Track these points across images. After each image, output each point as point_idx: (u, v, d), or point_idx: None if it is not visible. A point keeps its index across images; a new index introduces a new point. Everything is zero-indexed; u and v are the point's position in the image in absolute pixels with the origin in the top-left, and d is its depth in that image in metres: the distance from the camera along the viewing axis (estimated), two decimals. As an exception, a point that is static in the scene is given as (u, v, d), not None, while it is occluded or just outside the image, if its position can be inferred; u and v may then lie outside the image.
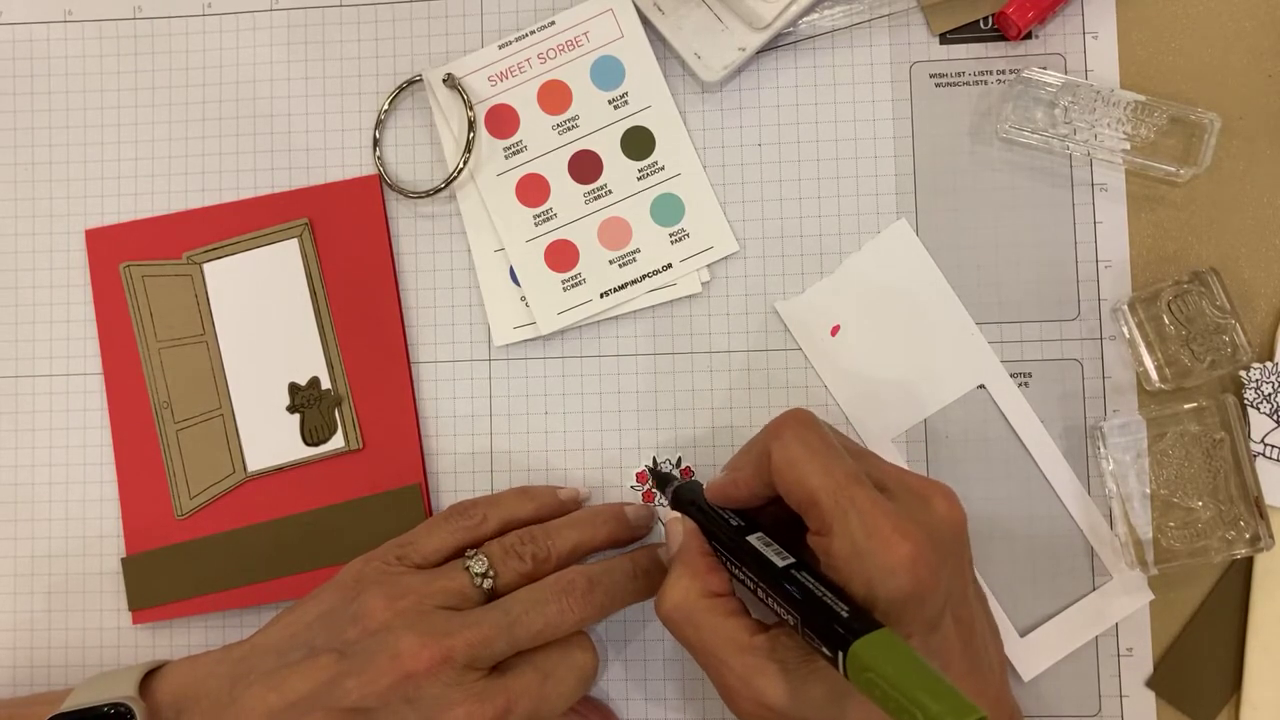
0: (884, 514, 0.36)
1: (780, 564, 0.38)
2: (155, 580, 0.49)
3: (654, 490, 0.48)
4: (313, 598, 0.43)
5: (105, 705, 0.41)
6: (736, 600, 0.40)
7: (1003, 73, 0.48)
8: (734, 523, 0.41)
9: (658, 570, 0.45)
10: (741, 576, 0.40)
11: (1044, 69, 0.46)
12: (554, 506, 0.46)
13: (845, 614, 0.35)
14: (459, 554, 0.43)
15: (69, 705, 0.41)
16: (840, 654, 0.34)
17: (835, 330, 0.48)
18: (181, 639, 0.49)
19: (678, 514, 0.43)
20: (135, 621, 0.49)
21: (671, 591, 0.40)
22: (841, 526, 0.36)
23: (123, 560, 0.50)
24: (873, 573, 0.35)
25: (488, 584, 0.42)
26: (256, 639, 0.43)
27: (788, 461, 0.38)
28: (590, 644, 0.43)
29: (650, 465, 0.48)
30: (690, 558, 0.41)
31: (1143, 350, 0.45)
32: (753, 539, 0.40)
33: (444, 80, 0.49)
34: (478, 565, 0.42)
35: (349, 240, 0.50)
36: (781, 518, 0.40)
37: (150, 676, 0.43)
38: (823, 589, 0.36)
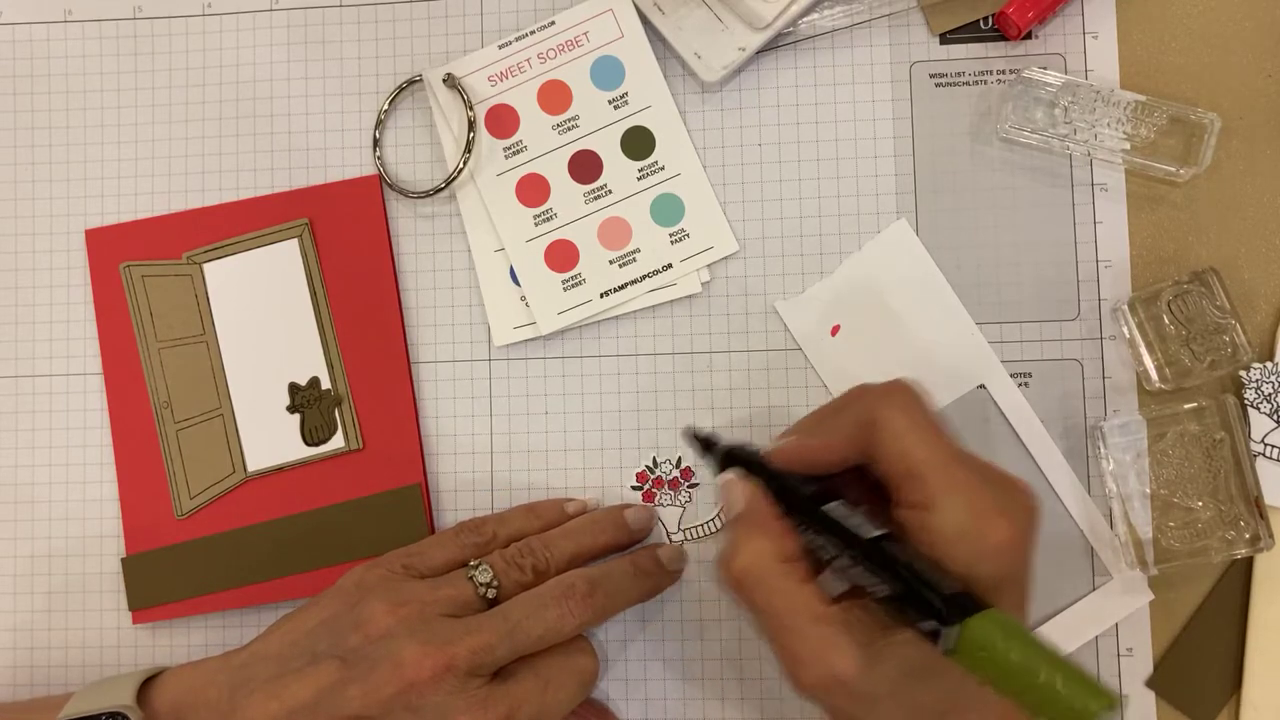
0: (989, 495, 0.36)
1: (872, 533, 0.37)
2: (155, 580, 0.49)
3: (692, 466, 0.48)
4: (314, 604, 0.43)
5: (103, 714, 0.40)
6: (808, 567, 0.38)
7: (1003, 73, 0.48)
8: (807, 489, 0.39)
9: (658, 571, 0.45)
10: (818, 544, 0.38)
11: (1044, 69, 0.46)
12: (561, 522, 0.46)
13: (952, 591, 0.34)
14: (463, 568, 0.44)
15: (67, 713, 0.41)
16: (943, 630, 0.33)
17: (835, 330, 0.48)
18: (181, 639, 0.49)
19: (734, 474, 0.41)
20: (135, 621, 0.49)
21: (743, 552, 0.38)
22: (947, 503, 0.36)
23: (123, 560, 0.50)
24: (976, 552, 0.35)
25: (491, 593, 0.42)
26: (256, 646, 0.42)
27: (895, 431, 0.37)
28: (591, 648, 0.43)
29: (692, 432, 0.44)
30: (761, 519, 0.39)
31: (1143, 350, 0.45)
32: (831, 506, 0.38)
33: (444, 80, 0.49)
34: (482, 575, 0.42)
35: (349, 240, 0.50)
36: (834, 488, 0.39)
37: (149, 684, 0.43)
38: (922, 563, 0.35)
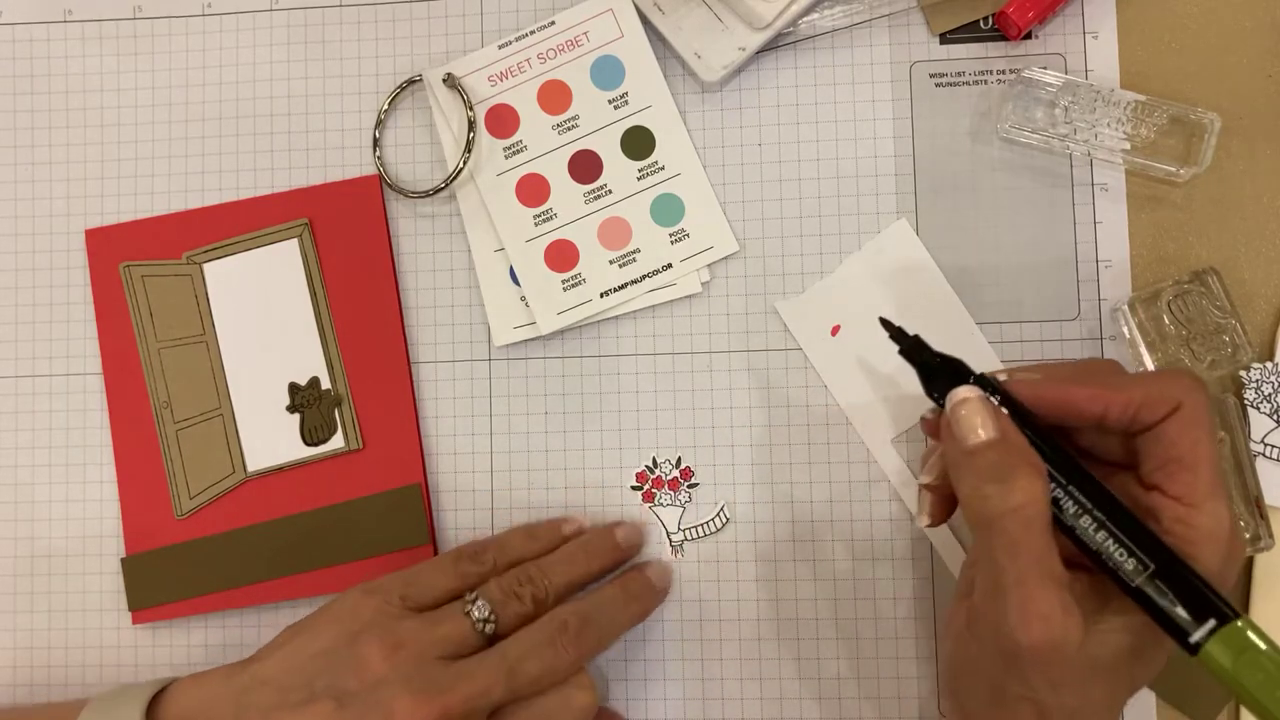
0: (1237, 517, 0.36)
1: (1125, 503, 0.35)
2: (155, 580, 0.49)
3: (692, 467, 0.48)
4: (312, 627, 0.42)
5: None
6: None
7: (1003, 73, 0.48)
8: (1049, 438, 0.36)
9: (648, 593, 0.45)
10: (1055, 497, 0.36)
11: (1044, 69, 0.46)
12: (559, 544, 0.46)
13: (1211, 585, 0.34)
14: (462, 595, 0.43)
15: None
16: (1198, 626, 0.33)
17: (835, 330, 0.48)
18: (181, 639, 0.49)
19: (976, 392, 0.37)
20: (135, 621, 0.49)
21: (1020, 490, 0.34)
22: (1215, 507, 0.35)
23: (123, 560, 0.50)
24: (1220, 562, 0.35)
25: (489, 629, 0.42)
26: (257, 667, 0.42)
27: (1196, 420, 0.36)
28: (589, 682, 0.42)
29: (892, 326, 0.40)
30: (1029, 456, 0.35)
31: (1143, 350, 0.45)
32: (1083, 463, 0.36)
33: (444, 80, 0.49)
34: (479, 611, 0.42)
35: (349, 240, 0.50)
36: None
37: (158, 698, 0.42)
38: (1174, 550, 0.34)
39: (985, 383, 0.37)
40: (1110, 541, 0.35)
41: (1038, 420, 0.37)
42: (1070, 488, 0.36)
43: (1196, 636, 0.33)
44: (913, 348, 0.40)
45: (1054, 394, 0.37)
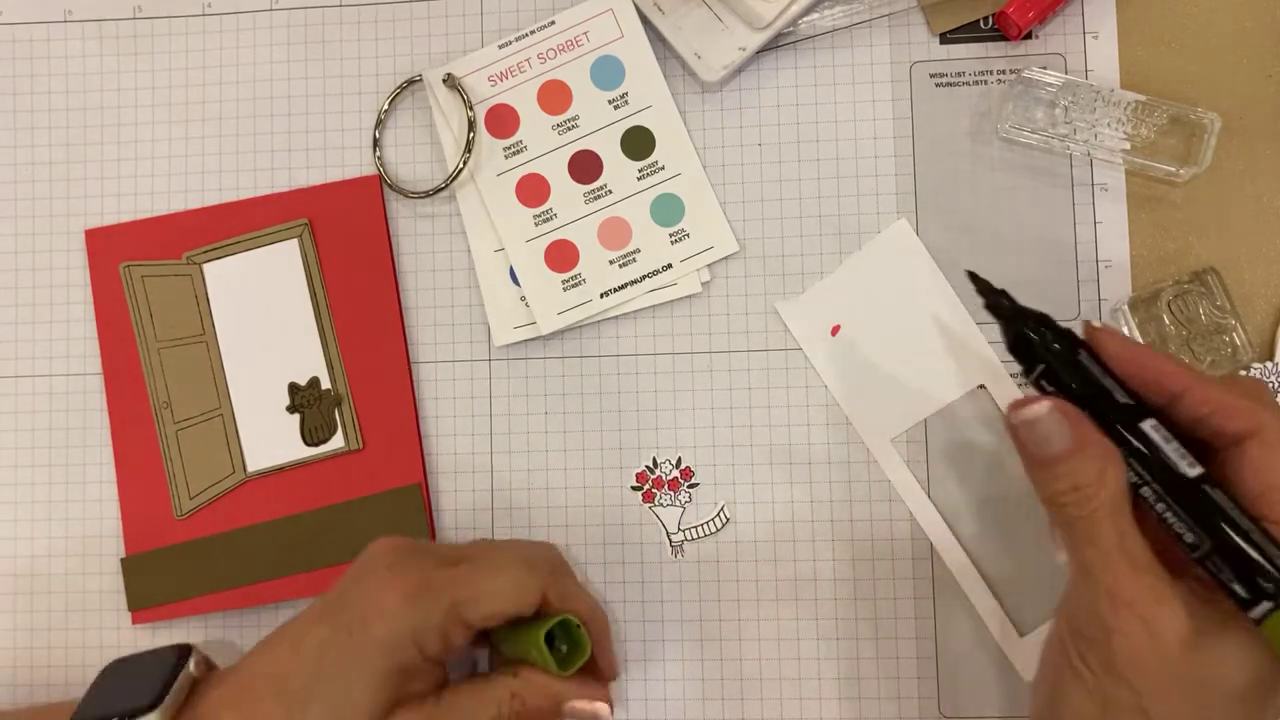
0: None
1: (1191, 471, 0.34)
2: (155, 580, 0.49)
3: (692, 467, 0.48)
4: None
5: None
6: None
7: (1003, 73, 0.48)
8: (1120, 398, 0.35)
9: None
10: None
11: (1044, 69, 0.46)
12: None
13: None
14: None
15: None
16: (1267, 605, 0.32)
17: (835, 330, 0.48)
18: (181, 639, 0.49)
19: (1044, 408, 0.35)
20: (135, 621, 0.49)
21: (1094, 486, 0.34)
22: None
23: (122, 560, 0.49)
24: None
25: None
26: None
27: (1277, 442, 0.34)
28: None
29: (985, 284, 0.39)
30: (1101, 448, 0.34)
31: (1143, 350, 0.45)
32: (1148, 426, 0.34)
33: (444, 80, 0.49)
34: None
35: (349, 240, 0.50)
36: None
37: None
38: (1246, 520, 0.33)
39: (1073, 337, 0.37)
40: (1170, 514, 0.34)
41: (1112, 378, 0.36)
42: (1144, 473, 0.35)
43: (1257, 613, 0.32)
44: (998, 303, 0.38)
45: (1141, 355, 0.36)
